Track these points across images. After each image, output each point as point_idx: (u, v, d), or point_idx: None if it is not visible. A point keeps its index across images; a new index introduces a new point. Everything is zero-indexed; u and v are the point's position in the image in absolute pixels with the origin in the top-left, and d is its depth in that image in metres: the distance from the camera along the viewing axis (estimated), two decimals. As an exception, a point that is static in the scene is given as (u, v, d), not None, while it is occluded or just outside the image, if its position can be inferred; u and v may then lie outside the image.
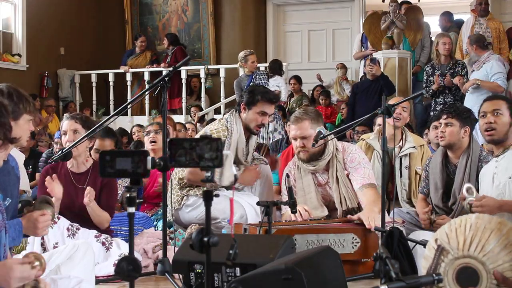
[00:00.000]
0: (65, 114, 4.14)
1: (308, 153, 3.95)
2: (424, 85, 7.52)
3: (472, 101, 6.69)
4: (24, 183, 4.85)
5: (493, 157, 3.67)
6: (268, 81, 8.45)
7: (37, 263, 2.19)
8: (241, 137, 4.34)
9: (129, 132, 7.78)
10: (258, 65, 8.71)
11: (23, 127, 2.64)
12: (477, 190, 3.77)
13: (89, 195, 3.58)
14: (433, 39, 9.02)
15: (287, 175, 3.85)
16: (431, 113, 7.43)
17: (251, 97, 4.29)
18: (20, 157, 4.78)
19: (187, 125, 7.77)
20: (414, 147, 4.72)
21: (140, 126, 7.35)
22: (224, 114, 6.47)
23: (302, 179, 4.04)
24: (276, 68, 8.65)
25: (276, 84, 8.47)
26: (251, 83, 8.36)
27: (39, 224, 2.55)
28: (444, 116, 4.06)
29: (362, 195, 3.85)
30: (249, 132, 4.39)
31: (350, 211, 3.88)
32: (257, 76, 8.44)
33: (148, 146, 5.02)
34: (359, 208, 3.92)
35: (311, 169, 4.01)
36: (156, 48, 11.39)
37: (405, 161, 4.70)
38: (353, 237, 3.42)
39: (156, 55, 10.89)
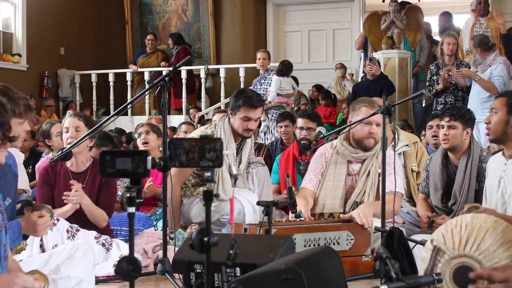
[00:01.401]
0: (68, 111, 4.14)
1: (375, 141, 3.93)
2: (427, 83, 7.51)
3: (475, 104, 6.67)
4: (24, 183, 4.84)
5: (504, 156, 3.55)
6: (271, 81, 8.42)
7: (41, 284, 2.23)
8: (229, 143, 4.31)
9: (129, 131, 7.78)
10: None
11: (13, 130, 2.48)
12: (479, 187, 3.76)
13: (74, 198, 3.60)
14: (435, 38, 9.03)
15: (287, 175, 3.85)
16: (432, 113, 7.42)
17: (235, 102, 4.27)
18: (19, 156, 4.76)
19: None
20: (407, 145, 4.71)
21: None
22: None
23: (336, 165, 4.00)
24: (278, 70, 8.53)
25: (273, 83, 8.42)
26: (258, 83, 8.41)
27: (38, 227, 2.57)
28: (447, 119, 4.03)
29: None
30: (240, 136, 4.37)
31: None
32: (265, 76, 8.47)
33: (140, 148, 5.03)
34: None
35: (354, 157, 3.97)
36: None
37: (400, 159, 4.69)
38: (347, 234, 3.46)
39: (166, 55, 10.81)
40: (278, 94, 8.23)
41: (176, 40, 10.39)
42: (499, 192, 3.46)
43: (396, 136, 4.72)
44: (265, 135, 8.09)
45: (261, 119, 7.99)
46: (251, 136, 4.47)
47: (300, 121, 5.28)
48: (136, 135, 5.15)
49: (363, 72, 8.95)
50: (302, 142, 5.18)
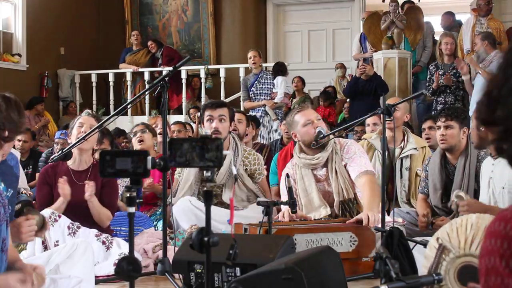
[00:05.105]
0: (85, 110, 4.19)
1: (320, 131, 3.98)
2: (427, 84, 7.53)
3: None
4: (22, 182, 4.85)
5: (491, 157, 3.58)
6: (272, 81, 8.49)
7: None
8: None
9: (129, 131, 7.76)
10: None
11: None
12: (478, 187, 3.76)
13: (89, 190, 3.60)
14: (436, 38, 9.01)
15: (287, 175, 3.85)
16: (433, 113, 7.43)
17: (201, 112, 4.54)
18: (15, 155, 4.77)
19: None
20: (415, 148, 4.70)
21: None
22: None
23: (304, 179, 4.03)
24: (277, 71, 8.64)
25: (275, 84, 8.50)
26: (257, 83, 8.44)
27: (22, 229, 2.40)
28: (443, 119, 4.03)
29: (361, 184, 3.84)
30: None
31: (347, 202, 3.88)
32: (263, 76, 8.49)
33: (136, 146, 5.07)
34: (355, 199, 3.93)
35: (315, 163, 3.99)
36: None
37: (406, 162, 4.69)
38: (350, 236, 3.44)
39: (151, 53, 10.85)
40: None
41: (158, 43, 10.58)
42: (489, 193, 3.47)
43: (406, 138, 4.74)
44: (269, 134, 8.15)
45: (272, 118, 8.14)
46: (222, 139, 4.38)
47: None
48: (131, 134, 5.22)
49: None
50: None
